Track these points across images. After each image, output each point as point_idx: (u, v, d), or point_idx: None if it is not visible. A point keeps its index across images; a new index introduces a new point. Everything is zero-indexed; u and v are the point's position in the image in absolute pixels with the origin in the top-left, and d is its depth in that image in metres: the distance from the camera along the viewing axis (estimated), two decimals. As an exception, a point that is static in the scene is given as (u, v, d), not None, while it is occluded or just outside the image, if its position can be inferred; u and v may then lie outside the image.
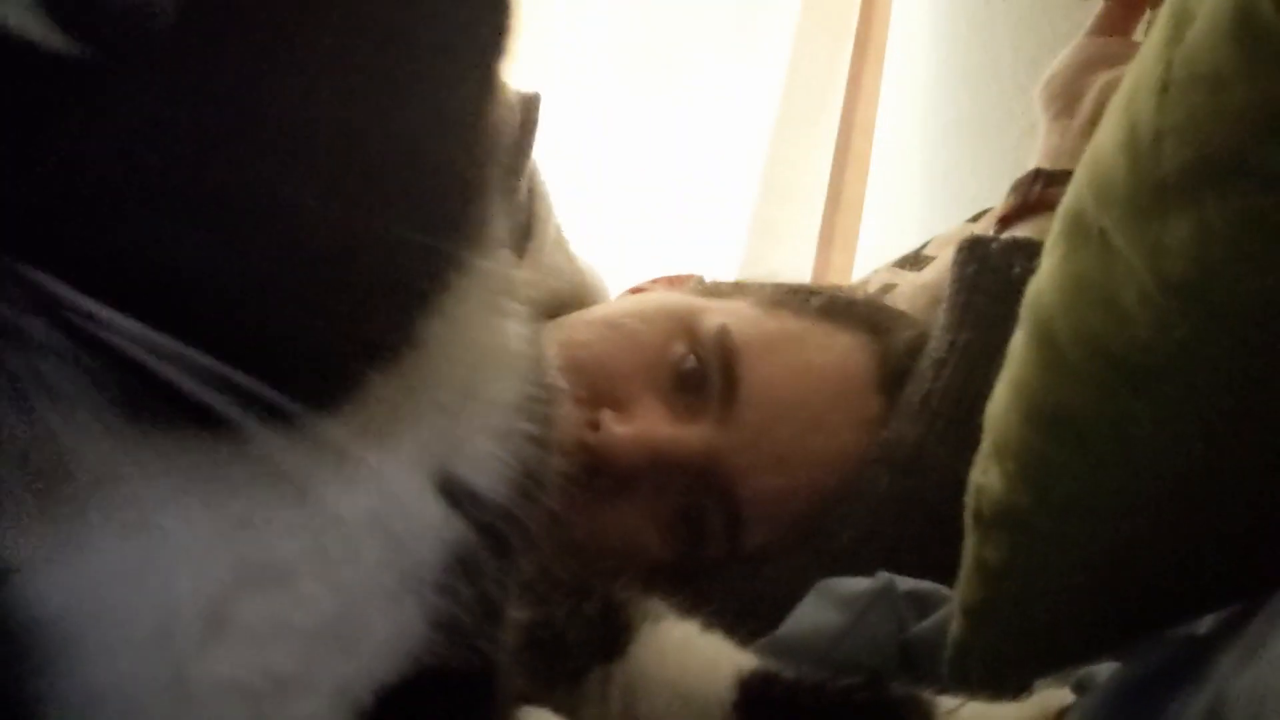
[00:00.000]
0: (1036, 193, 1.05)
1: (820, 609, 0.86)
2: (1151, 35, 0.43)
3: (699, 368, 0.97)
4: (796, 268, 1.74)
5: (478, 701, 0.46)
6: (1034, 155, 1.13)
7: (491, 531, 0.42)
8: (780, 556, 0.93)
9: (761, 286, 1.10)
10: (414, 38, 0.31)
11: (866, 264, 1.77)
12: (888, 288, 1.32)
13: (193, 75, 0.28)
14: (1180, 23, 0.40)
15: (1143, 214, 0.41)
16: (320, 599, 0.38)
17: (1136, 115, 0.41)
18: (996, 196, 1.18)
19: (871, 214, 1.86)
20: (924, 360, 1.01)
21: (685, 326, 0.98)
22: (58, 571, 0.35)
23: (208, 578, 0.36)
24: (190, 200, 0.28)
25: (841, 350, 1.02)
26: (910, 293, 1.26)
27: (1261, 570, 0.39)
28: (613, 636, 0.75)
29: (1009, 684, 0.54)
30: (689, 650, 0.77)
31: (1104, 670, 0.50)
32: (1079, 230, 0.44)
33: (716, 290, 1.11)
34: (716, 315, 1.00)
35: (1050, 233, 0.48)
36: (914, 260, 1.39)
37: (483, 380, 0.41)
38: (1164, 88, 0.40)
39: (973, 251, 1.00)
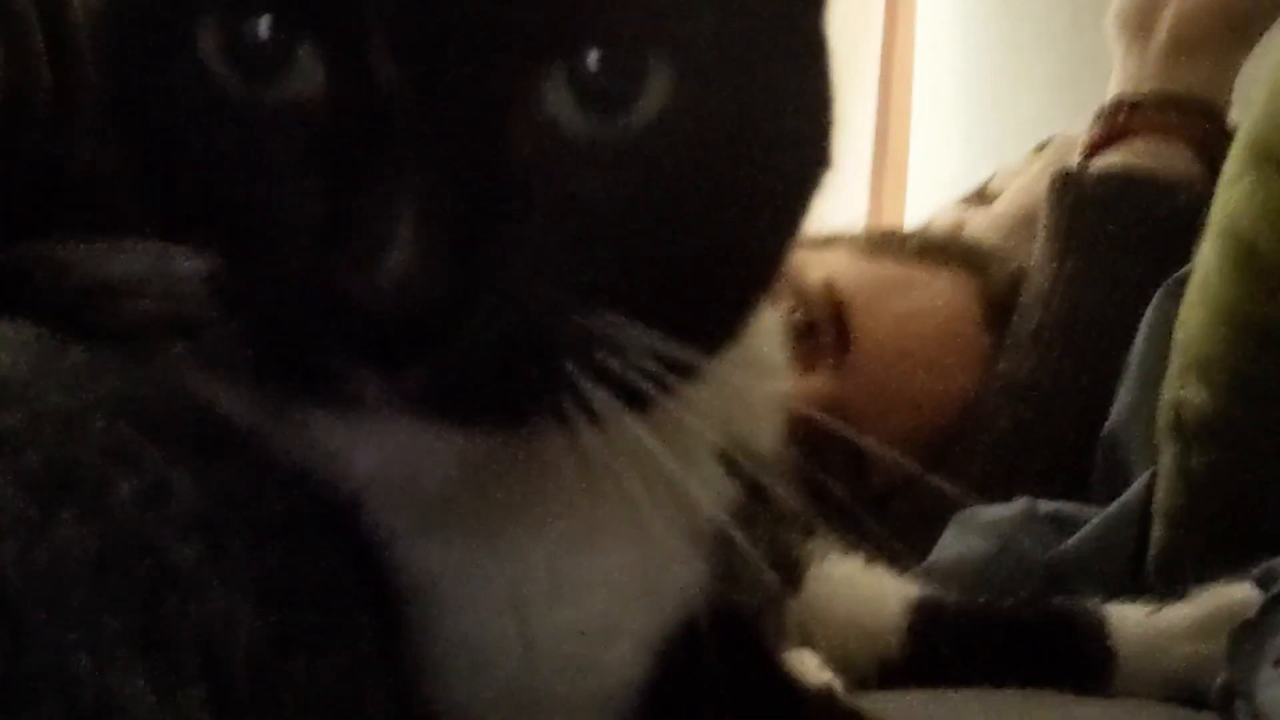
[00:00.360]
0: (1122, 120, 1.07)
1: (965, 537, 0.90)
2: None
3: (809, 321, 1.01)
4: (851, 214, 1.77)
5: (752, 636, 0.50)
6: (1088, 80, 1.16)
7: (756, 486, 0.47)
8: (908, 494, 0.98)
9: (855, 236, 1.13)
10: None
11: (917, 205, 1.80)
12: (958, 226, 1.35)
13: None
14: None
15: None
16: (631, 558, 0.43)
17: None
18: (1038, 127, 1.20)
19: (918, 155, 1.89)
20: (1028, 293, 1.04)
21: (788, 283, 1.02)
22: (430, 543, 0.39)
23: (549, 542, 0.41)
24: None
25: (946, 290, 1.05)
26: (986, 226, 1.29)
27: None
28: (788, 575, 0.79)
29: (1208, 580, 0.58)
30: (858, 583, 0.81)
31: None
32: (1268, 157, 0.48)
33: (810, 244, 1.14)
34: (819, 268, 1.03)
35: (1231, 163, 0.52)
36: (980, 196, 1.41)
37: (763, 350, 0.45)
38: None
39: (1068, 183, 1.03)
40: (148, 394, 0.32)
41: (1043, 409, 0.97)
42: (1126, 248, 0.98)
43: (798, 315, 1.02)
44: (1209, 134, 1.06)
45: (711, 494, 0.45)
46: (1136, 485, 0.85)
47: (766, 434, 0.48)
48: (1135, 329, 0.98)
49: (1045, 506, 0.90)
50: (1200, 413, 0.50)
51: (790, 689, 0.47)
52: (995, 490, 0.94)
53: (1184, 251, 1.01)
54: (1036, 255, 1.07)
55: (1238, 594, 0.64)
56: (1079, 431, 0.96)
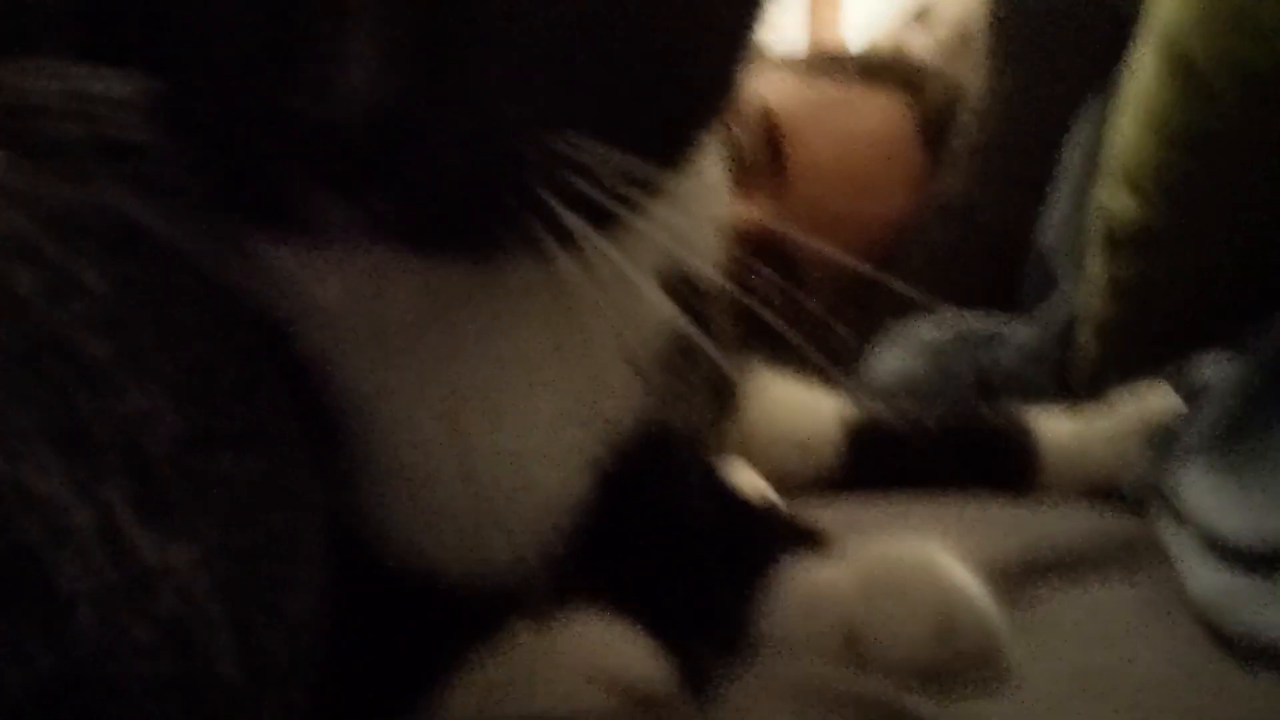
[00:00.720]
0: None
1: (899, 353, 0.92)
2: None
3: (744, 147, 1.00)
4: (789, 36, 1.73)
5: (691, 455, 0.51)
6: None
7: (698, 313, 0.47)
8: (843, 309, 0.99)
9: (793, 58, 1.12)
10: None
11: (854, 27, 1.77)
12: (900, 47, 1.34)
13: None
14: None
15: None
16: (574, 382, 0.43)
17: None
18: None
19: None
20: (966, 112, 1.04)
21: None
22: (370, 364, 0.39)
23: (491, 366, 0.41)
24: None
25: (883, 111, 1.05)
26: (927, 47, 1.28)
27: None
28: (725, 396, 0.80)
29: (1133, 384, 0.60)
30: (795, 400, 0.82)
31: (1209, 368, 0.56)
32: (1210, -41, 0.47)
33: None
34: (755, 92, 1.02)
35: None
36: (922, 15, 1.39)
37: (704, 174, 0.45)
38: None
39: (1006, -2, 1.02)
40: (51, 192, 0.31)
41: (978, 224, 0.98)
42: (1061, 63, 0.98)
43: (733, 139, 1.01)
44: None
45: (656, 316, 0.45)
46: (1061, 299, 0.87)
47: (707, 257, 0.47)
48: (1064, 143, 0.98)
49: (976, 322, 0.92)
50: (1128, 222, 0.51)
51: (732, 502, 0.48)
52: (926, 305, 0.96)
53: (1113, 69, 1.01)
54: (975, 73, 1.06)
55: (1154, 398, 0.66)
56: (1012, 246, 0.98)
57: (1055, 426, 0.75)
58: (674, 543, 0.47)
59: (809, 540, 0.43)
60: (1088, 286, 0.56)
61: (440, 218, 0.31)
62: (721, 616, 0.41)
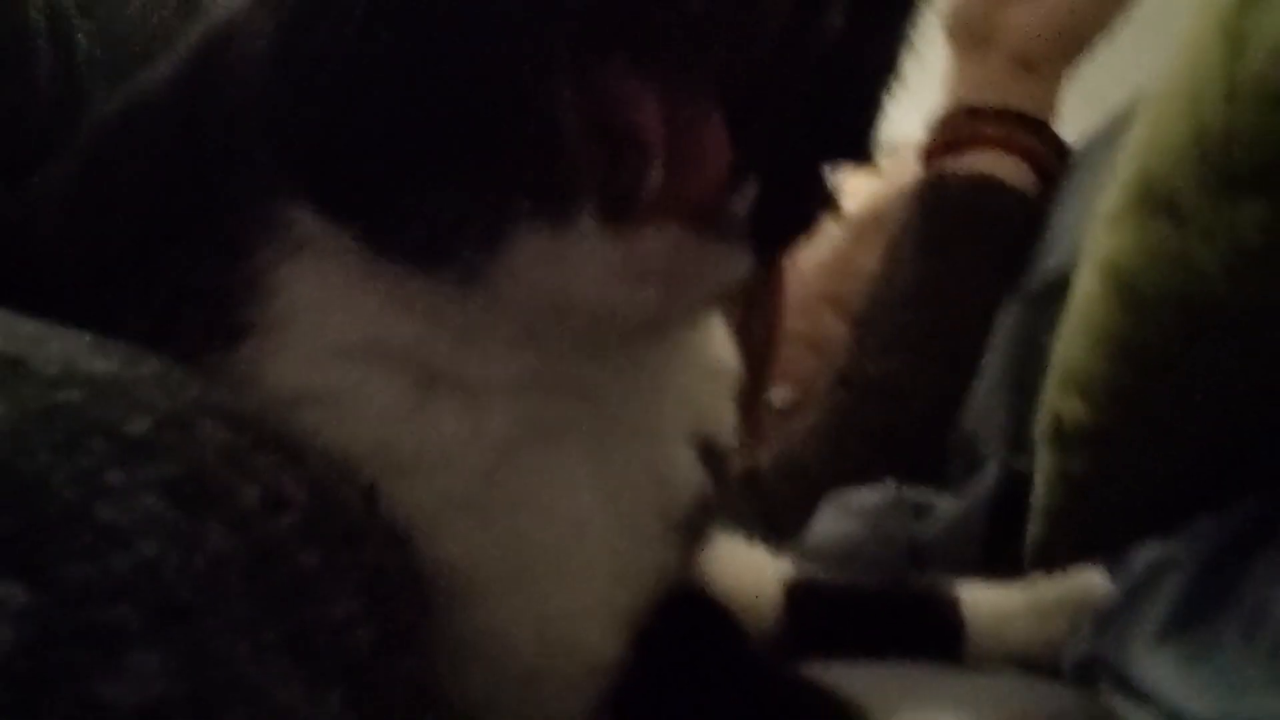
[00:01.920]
0: (966, 129, 1.16)
1: (836, 519, 0.98)
2: (1201, 48, 0.54)
3: None
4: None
5: (718, 615, 0.55)
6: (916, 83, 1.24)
7: (719, 474, 0.51)
8: (786, 478, 1.06)
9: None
10: None
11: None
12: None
13: None
14: (1237, 43, 0.52)
15: (1216, 196, 0.52)
16: (617, 537, 0.46)
17: (1204, 117, 0.53)
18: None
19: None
20: (880, 293, 1.13)
21: None
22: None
23: (550, 528, 0.44)
24: None
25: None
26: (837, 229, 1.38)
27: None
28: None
29: (1079, 565, 0.67)
30: (738, 560, 0.87)
31: (1149, 554, 0.63)
32: (1153, 203, 0.55)
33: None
34: None
35: (1112, 199, 0.59)
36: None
37: (722, 346, 0.50)
38: (1231, 96, 0.51)
39: (935, 189, 1.12)
40: (228, 398, 0.34)
41: (909, 405, 1.06)
42: (984, 253, 1.08)
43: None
44: (1045, 150, 1.16)
45: (688, 475, 0.49)
46: (989, 477, 0.94)
47: (728, 419, 0.52)
48: (986, 331, 1.07)
49: (909, 493, 0.98)
50: (1079, 424, 0.58)
51: (760, 667, 0.52)
52: (863, 478, 1.02)
53: (1025, 258, 1.11)
54: (889, 257, 1.15)
55: (1079, 579, 0.73)
56: (939, 426, 1.06)
57: (981, 598, 0.81)
58: (713, 709, 0.50)
59: (845, 708, 0.47)
60: (1038, 476, 0.62)
61: None
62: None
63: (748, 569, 0.87)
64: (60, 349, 0.32)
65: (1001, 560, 0.89)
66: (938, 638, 0.80)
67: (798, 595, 0.84)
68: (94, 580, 0.25)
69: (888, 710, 0.50)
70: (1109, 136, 1.14)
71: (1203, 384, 0.54)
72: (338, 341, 0.40)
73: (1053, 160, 1.15)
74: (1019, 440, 1.00)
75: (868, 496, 0.99)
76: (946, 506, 0.95)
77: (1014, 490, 0.91)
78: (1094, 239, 0.62)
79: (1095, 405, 0.58)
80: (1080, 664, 0.70)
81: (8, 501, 0.25)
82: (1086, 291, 0.60)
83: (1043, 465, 0.62)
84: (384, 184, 0.38)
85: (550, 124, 0.35)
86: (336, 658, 0.29)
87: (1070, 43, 1.16)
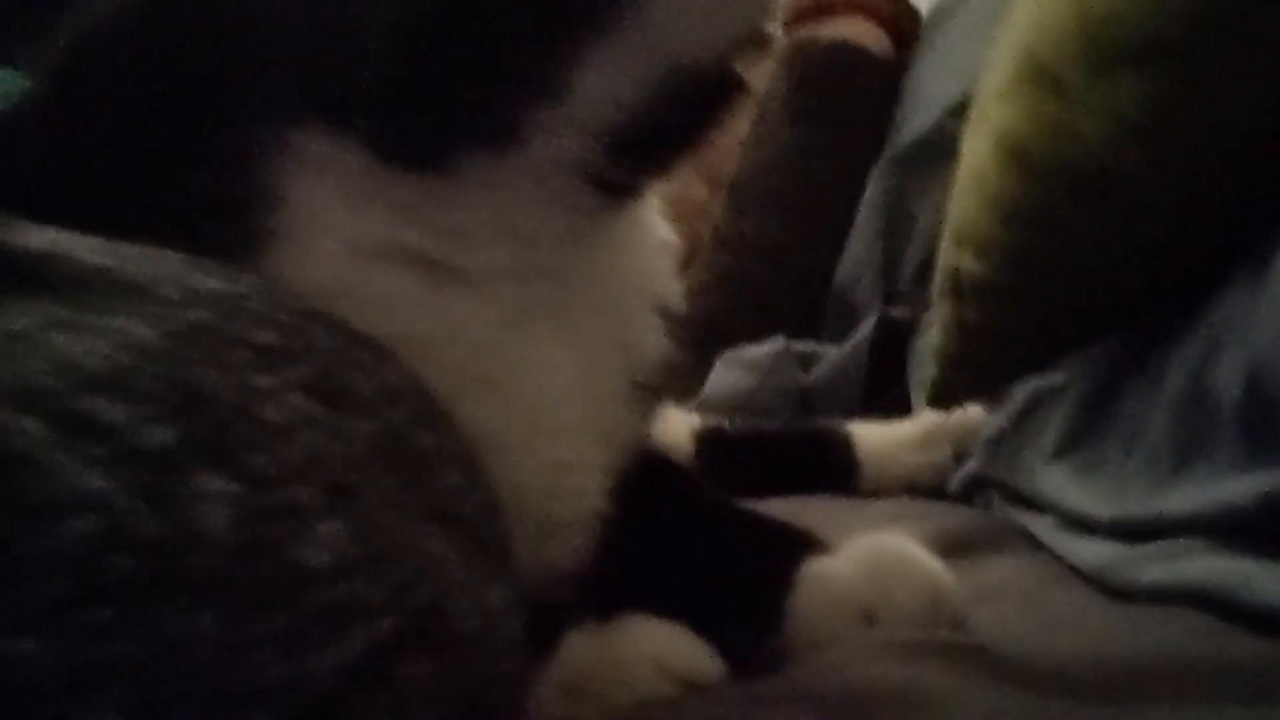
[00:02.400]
0: None
1: (730, 373, 1.06)
2: None
3: None
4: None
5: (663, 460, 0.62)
6: None
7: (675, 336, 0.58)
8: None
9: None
10: None
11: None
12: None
13: None
14: None
15: (1098, 73, 0.60)
16: (588, 405, 0.52)
17: (1085, 2, 0.60)
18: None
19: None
20: (749, 158, 1.19)
21: None
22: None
23: (552, 384, 0.50)
24: None
25: None
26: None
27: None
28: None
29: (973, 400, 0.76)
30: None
31: (1031, 388, 0.73)
32: (1039, 80, 0.63)
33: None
34: None
35: (999, 74, 0.67)
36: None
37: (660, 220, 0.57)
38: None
39: (799, 55, 1.18)
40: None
41: (787, 264, 1.14)
42: (849, 118, 1.15)
43: None
44: (899, 14, 1.24)
45: (654, 339, 0.56)
46: (865, 327, 1.04)
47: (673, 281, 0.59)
48: (856, 193, 1.15)
49: (796, 346, 1.07)
50: (974, 278, 0.66)
51: (742, 514, 0.59)
52: (748, 332, 1.11)
53: (887, 120, 1.19)
54: (758, 123, 1.22)
55: (955, 413, 0.83)
56: (816, 282, 1.14)
57: (870, 434, 0.91)
58: (693, 550, 0.57)
59: (810, 541, 0.55)
60: (937, 324, 0.71)
61: None
62: (758, 610, 0.52)
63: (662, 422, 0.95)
64: (168, 270, 0.35)
65: (880, 400, 0.99)
66: (835, 472, 0.90)
67: (706, 442, 0.92)
68: (275, 467, 0.29)
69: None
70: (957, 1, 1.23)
71: (1087, 241, 0.63)
72: (352, 244, 0.44)
73: (906, 24, 1.23)
74: (890, 292, 1.10)
75: (758, 350, 1.07)
76: (829, 354, 1.05)
77: (890, 337, 1.01)
78: (982, 110, 0.69)
79: (990, 261, 0.66)
80: (967, 484, 0.80)
81: (187, 408, 0.29)
82: (978, 159, 0.68)
83: (940, 314, 0.70)
84: (407, 95, 0.42)
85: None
86: (458, 520, 0.35)
87: None
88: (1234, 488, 0.49)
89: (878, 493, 0.87)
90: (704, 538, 0.59)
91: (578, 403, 0.51)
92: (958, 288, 0.69)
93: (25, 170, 0.47)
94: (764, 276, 1.16)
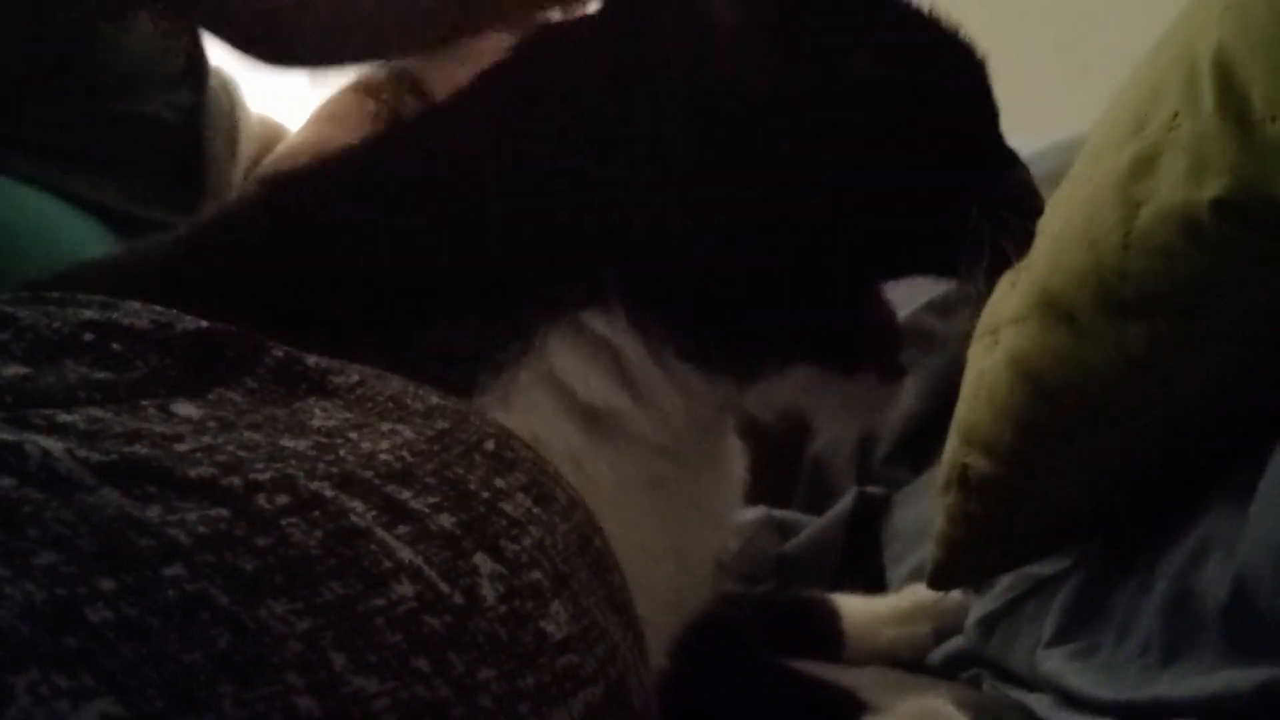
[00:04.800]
0: None
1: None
2: (1099, 203, 0.73)
3: None
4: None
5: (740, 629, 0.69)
6: None
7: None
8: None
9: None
10: None
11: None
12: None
13: None
14: (1129, 204, 0.70)
15: (1110, 316, 0.71)
16: (676, 571, 0.60)
17: (1102, 257, 0.71)
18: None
19: None
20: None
21: None
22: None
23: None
24: None
25: None
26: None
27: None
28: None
29: (972, 584, 0.85)
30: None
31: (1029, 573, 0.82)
32: (1055, 314, 0.74)
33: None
34: None
35: (1014, 299, 0.78)
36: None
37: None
38: (1126, 245, 0.70)
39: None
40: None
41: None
42: None
43: None
44: None
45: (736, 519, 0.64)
46: (844, 502, 1.13)
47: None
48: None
49: (776, 514, 1.15)
50: (982, 475, 0.76)
51: (797, 673, 0.66)
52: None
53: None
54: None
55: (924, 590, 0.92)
56: (788, 457, 1.24)
57: (853, 606, 0.99)
58: (754, 707, 0.64)
59: (859, 700, 0.62)
60: (942, 512, 0.80)
61: None
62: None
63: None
64: (401, 387, 0.42)
65: (854, 573, 1.08)
66: (821, 641, 0.97)
67: None
68: (518, 553, 0.36)
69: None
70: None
71: (1091, 454, 0.73)
72: (566, 403, 0.52)
73: None
74: (865, 468, 1.20)
75: (741, 517, 1.15)
76: (810, 523, 1.13)
77: (866, 514, 1.10)
78: (992, 329, 0.80)
79: (998, 461, 0.76)
80: (953, 660, 0.88)
81: (458, 501, 0.36)
82: (991, 374, 0.78)
83: (946, 503, 0.80)
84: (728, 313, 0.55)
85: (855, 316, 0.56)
86: (626, 611, 0.41)
87: None
88: (1231, 677, 0.58)
89: (857, 663, 0.95)
90: (763, 695, 0.65)
91: (668, 567, 0.58)
92: (965, 482, 0.79)
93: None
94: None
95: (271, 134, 1.43)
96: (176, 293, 0.43)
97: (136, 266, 0.59)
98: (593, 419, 0.53)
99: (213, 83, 1.31)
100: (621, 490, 0.55)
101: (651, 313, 0.53)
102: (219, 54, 1.33)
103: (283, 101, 1.86)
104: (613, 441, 0.54)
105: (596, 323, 0.53)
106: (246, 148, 1.35)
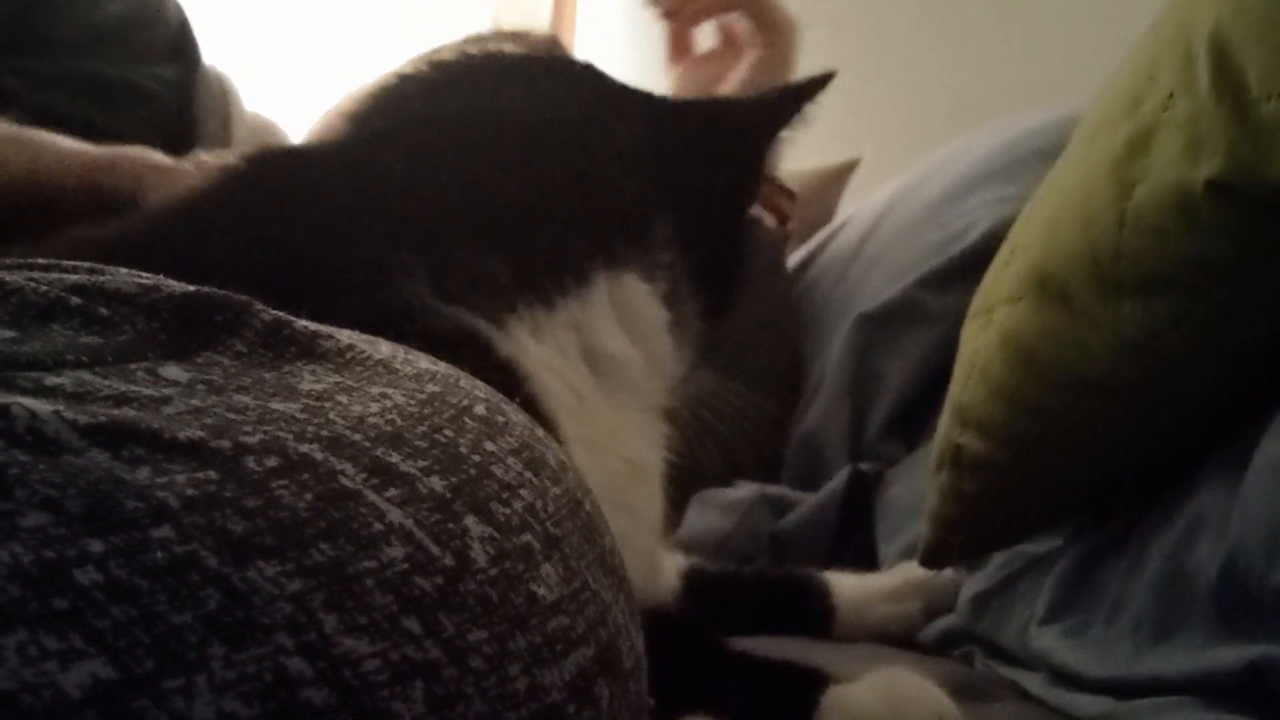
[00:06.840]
0: None
1: (706, 514, 1.13)
2: (1095, 182, 0.73)
3: None
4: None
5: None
6: None
7: None
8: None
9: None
10: None
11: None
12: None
13: None
14: (1125, 184, 0.70)
15: (1103, 292, 0.71)
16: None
17: (1096, 236, 0.71)
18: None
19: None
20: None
21: None
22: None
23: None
24: None
25: None
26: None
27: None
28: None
29: (963, 563, 0.86)
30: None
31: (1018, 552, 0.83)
32: (1049, 293, 0.74)
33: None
34: None
35: (1008, 279, 0.78)
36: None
37: None
38: (1120, 224, 0.70)
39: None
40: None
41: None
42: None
43: None
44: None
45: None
46: (837, 479, 1.13)
47: None
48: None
49: (770, 490, 1.15)
50: (976, 454, 0.76)
51: (736, 652, 0.66)
52: (726, 478, 1.19)
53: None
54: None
55: (914, 568, 0.92)
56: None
57: (844, 585, 0.99)
58: (717, 687, 0.64)
59: (825, 675, 0.63)
60: (934, 490, 0.80)
61: None
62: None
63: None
64: (392, 351, 0.42)
65: (846, 550, 1.08)
66: (811, 618, 0.98)
67: (693, 580, 0.99)
68: (509, 516, 0.36)
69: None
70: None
71: (1085, 434, 0.73)
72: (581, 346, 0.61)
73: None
74: (857, 444, 1.20)
75: (735, 494, 1.15)
76: (803, 500, 1.13)
77: (859, 491, 1.10)
78: (987, 309, 0.80)
79: (992, 440, 0.76)
80: (945, 638, 0.89)
81: (448, 464, 0.36)
82: (986, 353, 0.78)
83: (939, 482, 0.80)
84: None
85: None
86: (617, 574, 0.41)
87: None
88: (1221, 655, 0.58)
89: (848, 640, 0.95)
90: (725, 675, 0.65)
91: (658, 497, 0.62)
92: (958, 461, 0.79)
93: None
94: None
95: (264, 131, 1.43)
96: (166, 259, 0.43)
97: (119, 237, 0.60)
98: (606, 364, 0.58)
99: (205, 71, 1.32)
100: (621, 430, 0.60)
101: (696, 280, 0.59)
102: (215, 53, 1.34)
103: (277, 102, 1.89)
104: (615, 386, 0.59)
105: (639, 282, 0.58)
106: (240, 134, 1.35)
